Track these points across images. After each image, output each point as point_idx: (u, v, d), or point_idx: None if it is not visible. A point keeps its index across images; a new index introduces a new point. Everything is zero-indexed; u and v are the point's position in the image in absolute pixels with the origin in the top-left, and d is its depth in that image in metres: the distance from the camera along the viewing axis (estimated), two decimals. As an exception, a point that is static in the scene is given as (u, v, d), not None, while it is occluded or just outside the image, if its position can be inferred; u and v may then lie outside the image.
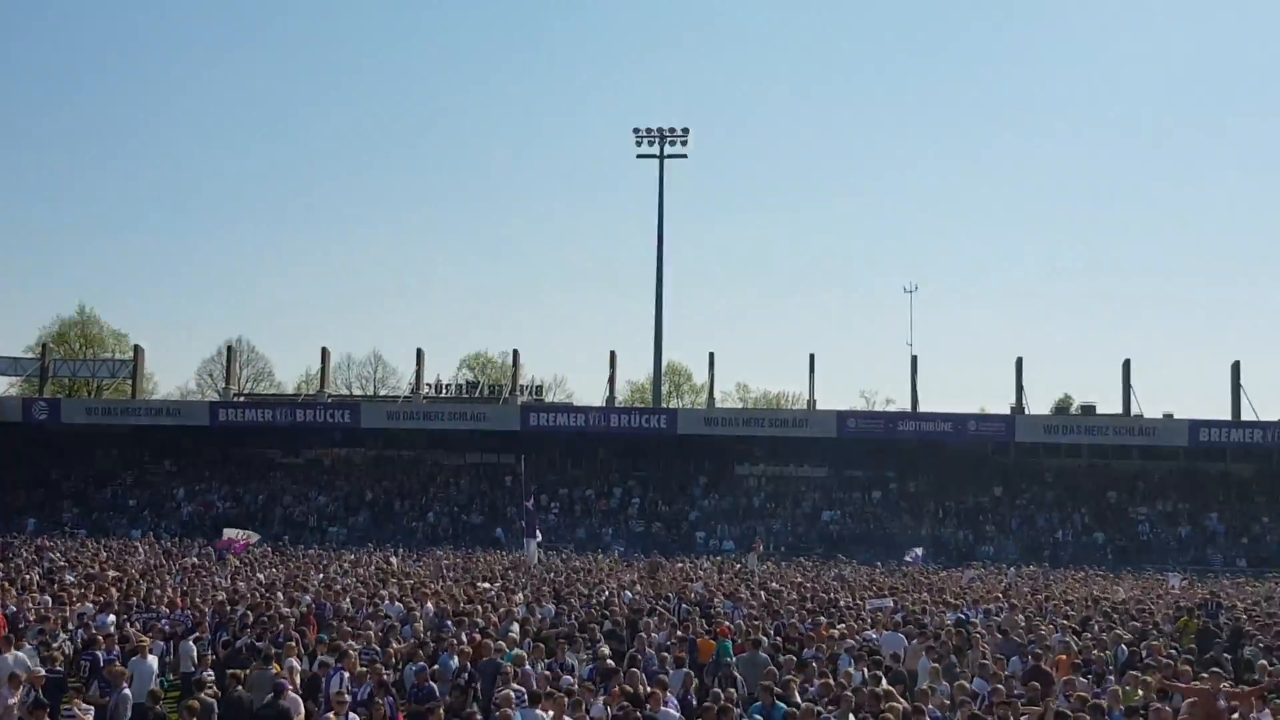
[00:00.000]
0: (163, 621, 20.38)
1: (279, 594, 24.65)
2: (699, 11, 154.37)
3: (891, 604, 25.45)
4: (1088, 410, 68.16)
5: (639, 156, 67.91)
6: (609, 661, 16.93)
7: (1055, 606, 26.35)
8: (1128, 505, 57.61)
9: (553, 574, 33.08)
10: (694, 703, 15.43)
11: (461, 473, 62.32)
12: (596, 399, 66.62)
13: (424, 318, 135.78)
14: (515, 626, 20.44)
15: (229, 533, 38.29)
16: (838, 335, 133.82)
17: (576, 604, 24.48)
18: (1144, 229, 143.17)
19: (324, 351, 66.88)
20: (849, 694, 14.10)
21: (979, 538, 55.18)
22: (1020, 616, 23.26)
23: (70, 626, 20.04)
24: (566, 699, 13.69)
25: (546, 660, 17.17)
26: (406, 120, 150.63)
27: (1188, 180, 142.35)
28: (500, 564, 37.05)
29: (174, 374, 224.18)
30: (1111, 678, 16.87)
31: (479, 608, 22.25)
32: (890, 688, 14.95)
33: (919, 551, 44.55)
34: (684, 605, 24.77)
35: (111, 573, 28.63)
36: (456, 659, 16.59)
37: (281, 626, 19.01)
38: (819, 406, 64.11)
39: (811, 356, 63.99)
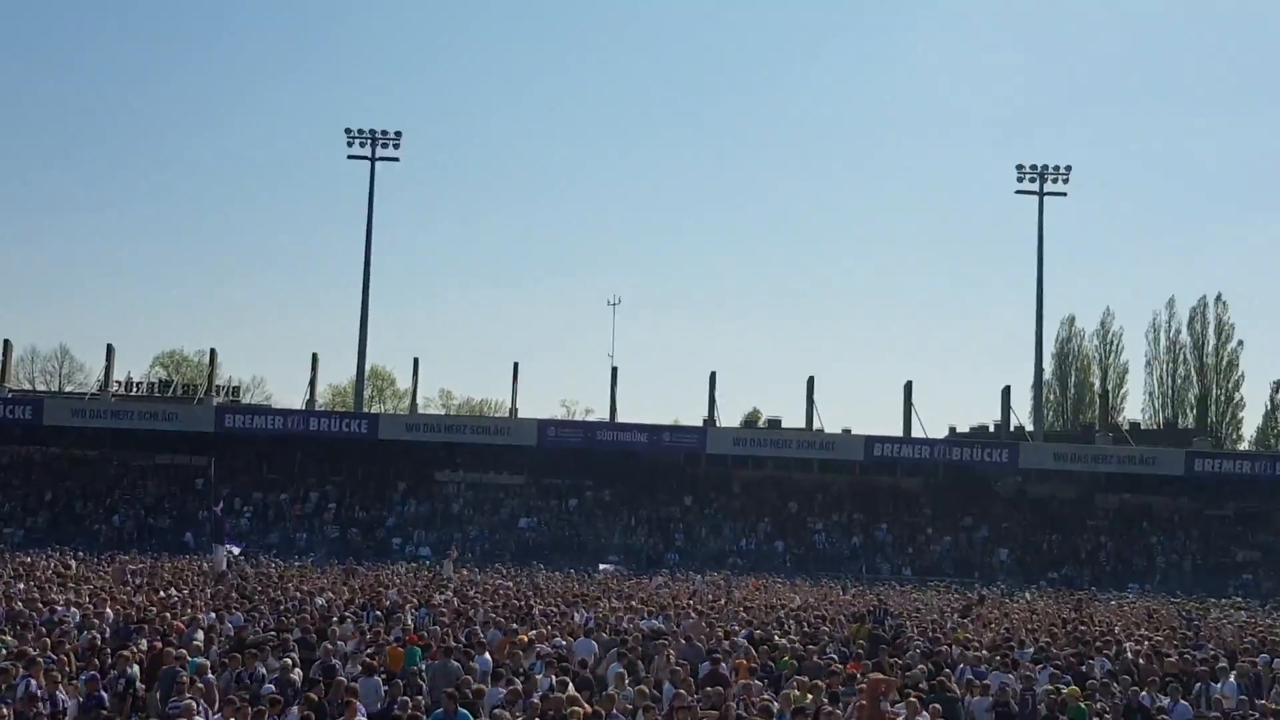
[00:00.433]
0: None
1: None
2: (417, 16, 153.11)
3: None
4: (774, 424, 71.47)
5: (350, 157, 66.88)
6: (296, 672, 16.82)
7: (735, 612, 27.68)
8: (806, 516, 60.64)
9: (243, 580, 32.31)
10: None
11: (150, 474, 59.95)
12: (296, 401, 65.40)
13: (116, 313, 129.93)
14: (200, 634, 19.99)
15: None
16: (542, 345, 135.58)
17: (266, 611, 24.08)
18: (828, 252, 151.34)
19: (5, 344, 63.62)
20: (535, 700, 14.57)
21: (668, 545, 57.03)
22: (704, 622, 24.33)
23: None
24: (250, 709, 13.60)
25: (235, 670, 16.91)
26: (98, 108, 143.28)
27: (867, 202, 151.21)
28: (188, 569, 35.92)
29: None
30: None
31: (165, 615, 21.63)
32: (576, 694, 15.52)
33: (613, 562, 45.59)
34: (375, 612, 24.72)
35: None
36: (135, 667, 16.19)
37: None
38: (521, 415, 64.85)
39: (515, 365, 64.78)
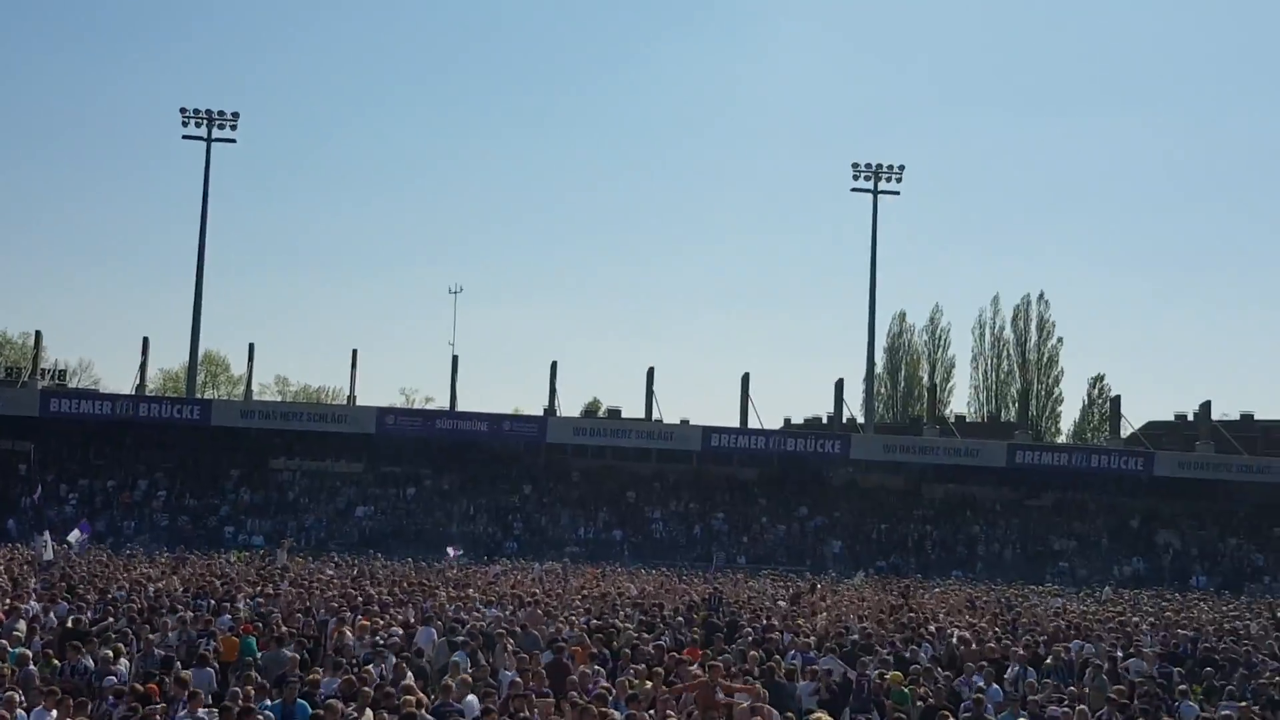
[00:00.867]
0: None
1: None
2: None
3: None
4: (614, 414, 72.08)
5: (185, 137, 65.03)
6: (122, 663, 16.53)
7: (572, 601, 27.94)
8: (644, 505, 61.32)
9: (68, 569, 31.30)
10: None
11: (-31, 460, 57.36)
12: (126, 386, 63.58)
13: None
14: (21, 624, 19.45)
15: None
16: (382, 332, 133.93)
17: (93, 601, 23.47)
18: (668, 245, 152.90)
19: None
20: (367, 689, 14.61)
21: (507, 534, 57.06)
22: (541, 611, 24.51)
23: None
24: (72, 701, 13.36)
25: (60, 661, 16.52)
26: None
27: (706, 196, 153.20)
28: (15, 558, 34.62)
29: None
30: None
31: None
32: (410, 683, 15.60)
33: (457, 551, 45.35)
34: (211, 601, 24.29)
35: None
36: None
37: None
38: (359, 402, 64.19)
39: (354, 352, 64.11)
